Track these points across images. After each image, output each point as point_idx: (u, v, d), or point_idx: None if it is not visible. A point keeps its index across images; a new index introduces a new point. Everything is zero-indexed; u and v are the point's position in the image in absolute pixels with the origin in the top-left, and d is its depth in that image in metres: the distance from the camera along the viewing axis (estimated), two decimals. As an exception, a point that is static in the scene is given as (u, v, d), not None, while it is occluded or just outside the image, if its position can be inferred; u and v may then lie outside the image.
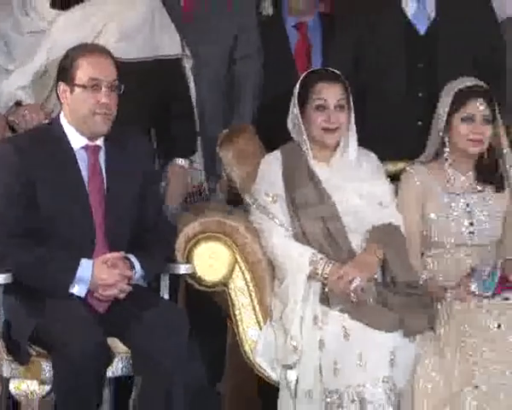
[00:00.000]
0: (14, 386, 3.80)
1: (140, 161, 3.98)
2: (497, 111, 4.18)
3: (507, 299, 4.00)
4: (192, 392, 3.80)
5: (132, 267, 3.86)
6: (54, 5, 4.36)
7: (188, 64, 4.49)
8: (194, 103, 4.52)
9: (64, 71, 3.87)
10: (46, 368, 3.75)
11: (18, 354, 3.78)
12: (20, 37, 4.41)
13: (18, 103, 4.30)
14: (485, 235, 4.17)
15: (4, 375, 3.84)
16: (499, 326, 3.91)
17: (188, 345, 3.77)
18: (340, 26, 4.72)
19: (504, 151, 4.22)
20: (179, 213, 4.36)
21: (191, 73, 4.50)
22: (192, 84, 4.51)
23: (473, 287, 4.03)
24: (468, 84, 4.18)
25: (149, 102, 4.20)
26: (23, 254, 3.81)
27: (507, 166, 4.21)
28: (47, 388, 3.76)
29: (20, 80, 4.31)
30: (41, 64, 4.31)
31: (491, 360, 3.85)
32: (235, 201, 4.35)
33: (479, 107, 4.14)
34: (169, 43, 4.44)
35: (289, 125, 4.20)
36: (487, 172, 4.20)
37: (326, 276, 4.01)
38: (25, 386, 3.79)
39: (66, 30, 4.30)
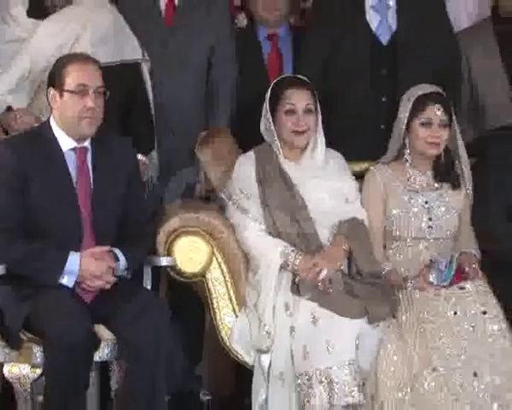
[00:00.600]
0: (7, 370, 3.79)
1: (124, 161, 3.98)
2: (453, 116, 4.18)
3: (462, 288, 4.00)
4: (172, 374, 3.81)
5: (117, 260, 3.85)
6: (29, 15, 4.35)
7: (145, 67, 4.47)
8: (153, 105, 4.51)
9: (54, 77, 3.87)
10: (37, 353, 3.75)
11: (11, 340, 3.77)
12: (0, 45, 4.41)
13: (9, 108, 4.28)
14: (443, 229, 4.17)
15: None
16: (455, 313, 3.94)
17: (168, 332, 3.76)
18: (309, 37, 4.70)
19: (460, 153, 4.21)
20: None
21: (148, 76, 4.49)
22: (149, 86, 4.49)
23: (431, 277, 4.03)
24: (427, 90, 4.17)
25: (115, 102, 4.15)
26: (16, 246, 3.81)
27: (462, 166, 4.21)
28: (38, 371, 3.76)
29: (4, 86, 4.29)
30: (24, 70, 4.29)
31: (448, 344, 3.88)
32: (208, 198, 4.35)
33: (436, 112, 4.13)
34: (131, 49, 4.43)
35: (262, 128, 4.20)
36: (444, 171, 4.20)
37: (296, 267, 4.00)
38: (17, 370, 3.78)
39: (46, 38, 4.29)
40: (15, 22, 4.35)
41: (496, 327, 3.90)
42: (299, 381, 3.90)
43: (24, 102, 4.29)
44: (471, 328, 3.90)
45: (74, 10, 4.33)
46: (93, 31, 4.29)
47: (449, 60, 4.67)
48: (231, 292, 4.11)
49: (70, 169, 3.88)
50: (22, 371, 3.78)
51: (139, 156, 4.25)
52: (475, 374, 3.83)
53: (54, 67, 3.90)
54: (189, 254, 4.07)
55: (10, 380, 3.80)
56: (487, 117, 4.78)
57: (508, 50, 4.79)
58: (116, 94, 4.05)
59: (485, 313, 3.92)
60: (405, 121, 4.16)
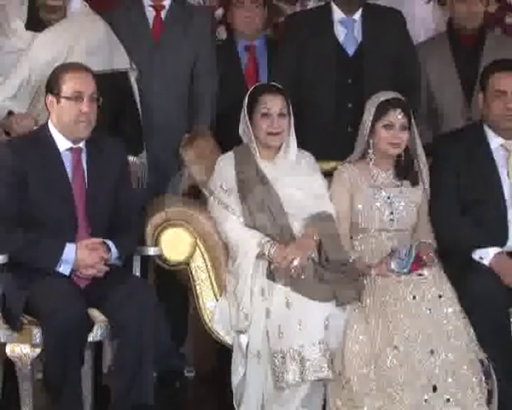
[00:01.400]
0: (9, 349, 3.79)
1: (115, 161, 3.98)
2: (412, 119, 4.19)
3: (420, 275, 3.99)
4: (159, 353, 3.83)
5: (109, 250, 3.85)
6: (27, 28, 4.32)
7: (133, 76, 4.45)
8: (141, 110, 4.50)
9: (52, 85, 3.87)
10: (37, 334, 3.75)
11: (12, 322, 3.76)
12: (0, 55, 4.39)
13: (10, 112, 4.26)
14: (403, 222, 4.17)
15: (1, 340, 3.79)
16: (414, 297, 3.92)
17: (155, 314, 3.77)
18: (282, 48, 4.70)
19: (418, 152, 4.22)
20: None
21: (136, 84, 4.46)
22: (137, 93, 4.47)
23: (392, 265, 4.02)
24: (389, 96, 4.16)
25: (107, 107, 4.14)
26: (17, 236, 3.81)
27: (420, 165, 4.22)
28: (38, 350, 3.76)
29: (6, 93, 4.28)
30: (23, 78, 4.27)
31: (407, 325, 3.87)
32: (194, 194, 4.32)
33: (397, 116, 4.13)
34: (121, 58, 4.41)
35: (240, 131, 4.19)
36: (404, 169, 4.19)
37: (271, 256, 3.99)
38: (18, 349, 3.78)
39: (42, 49, 4.27)
40: (14, 35, 4.32)
41: (450, 310, 3.91)
42: (274, 358, 3.89)
43: (24, 107, 4.27)
44: (428, 310, 3.89)
45: (68, 23, 4.31)
46: (86, 41, 4.28)
47: (408, 69, 4.66)
48: (213, 279, 4.10)
49: (66, 167, 3.89)
50: (23, 350, 3.78)
51: (130, 158, 4.25)
52: (432, 352, 3.83)
53: (51, 75, 3.90)
54: (174, 244, 4.08)
55: (12, 359, 3.80)
56: (442, 121, 4.78)
57: (461, 61, 4.79)
58: (108, 100, 4.07)
59: (440, 296, 3.91)
60: (369, 124, 4.16)
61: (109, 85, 4.22)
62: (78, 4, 4.37)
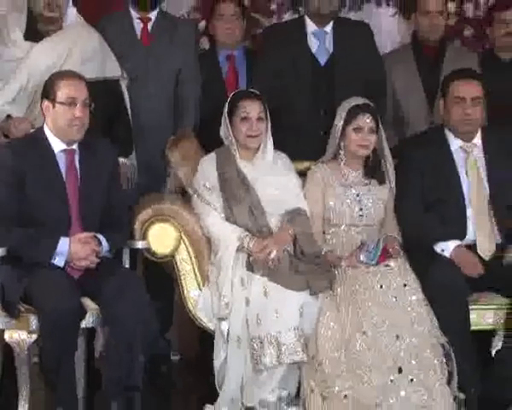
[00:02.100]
0: (8, 335, 3.78)
1: (107, 161, 3.97)
2: (380, 123, 4.20)
3: (387, 266, 3.99)
4: (147, 339, 3.80)
5: (100, 244, 3.85)
6: (26, 38, 4.29)
7: (123, 83, 4.43)
8: (131, 114, 4.48)
9: (47, 91, 3.86)
10: (33, 321, 3.75)
11: (11, 311, 3.76)
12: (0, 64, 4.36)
13: (8, 116, 4.24)
14: (371, 217, 4.17)
15: (0, 327, 3.78)
16: (381, 287, 3.93)
17: (144, 303, 3.76)
18: (260, 58, 4.70)
19: (385, 154, 4.23)
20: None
21: (126, 90, 4.44)
22: (127, 100, 4.45)
23: (361, 257, 4.02)
24: (358, 102, 4.16)
25: (99, 112, 4.11)
26: (14, 232, 3.80)
27: (387, 165, 4.22)
28: (34, 336, 3.76)
29: (5, 98, 4.24)
30: (22, 84, 4.23)
31: (375, 312, 3.87)
32: (180, 192, 4.31)
33: (366, 120, 4.13)
34: (112, 67, 4.39)
35: (221, 134, 4.18)
36: (372, 169, 4.19)
37: (250, 249, 3.99)
38: (16, 335, 3.77)
39: (40, 57, 4.24)
40: (14, 45, 4.30)
41: (414, 298, 3.91)
42: (253, 343, 3.88)
43: (21, 111, 4.23)
44: (394, 298, 3.89)
45: (65, 34, 4.29)
46: (81, 51, 4.26)
47: (376, 78, 4.67)
48: (196, 270, 4.09)
49: (61, 168, 3.88)
50: (21, 336, 3.77)
51: (121, 159, 4.24)
52: (397, 336, 3.82)
53: (47, 82, 3.89)
54: (160, 238, 4.06)
55: (11, 344, 3.79)
56: (408, 125, 4.78)
57: (424, 70, 4.80)
58: (102, 105, 4.07)
59: (405, 285, 3.92)
60: (340, 128, 4.15)
61: (103, 91, 4.22)
62: (74, 17, 4.34)
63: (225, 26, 4.81)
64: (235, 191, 4.09)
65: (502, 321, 4.06)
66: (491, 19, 4.86)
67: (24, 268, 3.76)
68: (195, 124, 4.64)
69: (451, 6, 5.10)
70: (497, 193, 4.19)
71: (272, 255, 3.99)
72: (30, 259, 3.78)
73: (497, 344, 4.07)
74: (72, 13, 4.34)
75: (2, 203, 3.81)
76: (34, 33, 4.29)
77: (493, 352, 4.08)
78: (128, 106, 4.47)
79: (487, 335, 4.10)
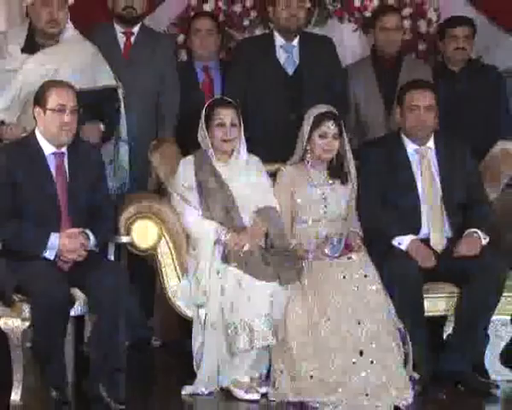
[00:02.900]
0: (2, 322, 3.76)
1: (92, 163, 3.96)
2: (343, 129, 4.19)
3: (350, 258, 4.00)
4: (131, 325, 3.83)
5: (88, 238, 3.83)
6: (24, 51, 4.25)
7: (120, 92, 4.38)
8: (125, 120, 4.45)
9: (39, 98, 3.85)
10: (26, 309, 3.72)
11: (5, 300, 3.74)
12: None
13: (2, 122, 4.21)
14: (335, 214, 4.17)
15: None
16: (344, 277, 3.93)
17: (127, 292, 3.77)
18: (233, 68, 4.70)
19: (348, 156, 4.22)
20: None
21: (122, 97, 4.40)
22: (122, 104, 4.40)
23: (326, 250, 4.02)
24: (323, 110, 4.15)
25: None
26: (8, 227, 3.78)
27: (349, 167, 4.22)
28: (27, 323, 3.74)
29: (1, 105, 4.20)
30: (16, 92, 4.20)
31: (338, 300, 3.88)
32: (160, 191, 4.32)
33: (330, 126, 4.12)
34: (105, 77, 4.34)
35: (199, 138, 4.17)
36: (336, 170, 4.19)
37: (226, 242, 4.00)
38: (10, 322, 3.75)
39: (34, 68, 4.20)
40: (10, 56, 4.27)
41: (374, 287, 3.91)
42: (227, 329, 3.89)
43: (14, 118, 4.21)
44: (355, 288, 3.90)
45: (58, 47, 4.26)
46: (72, 63, 4.23)
47: (339, 87, 4.69)
48: (176, 262, 4.08)
49: (51, 169, 3.87)
50: (14, 323, 3.75)
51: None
52: (358, 322, 3.84)
53: (39, 90, 3.87)
54: (143, 234, 4.04)
55: (5, 330, 3.77)
56: (368, 131, 4.80)
57: (382, 81, 4.82)
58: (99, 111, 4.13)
59: (366, 276, 3.92)
60: (307, 133, 4.15)
61: (101, 98, 4.25)
62: (71, 31, 4.30)
63: (202, 40, 4.81)
64: (212, 190, 4.09)
65: (452, 308, 4.06)
66: (442, 34, 4.88)
67: (17, 261, 3.74)
68: (174, 129, 4.63)
69: (407, 23, 5.12)
70: (448, 192, 4.19)
71: (245, 248, 3.99)
72: (23, 252, 3.76)
73: (448, 329, 4.08)
74: (69, 28, 4.30)
75: None
76: (32, 45, 4.26)
77: (445, 336, 4.08)
78: (123, 111, 4.41)
79: (439, 320, 4.11)
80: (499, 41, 5.16)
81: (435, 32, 5.08)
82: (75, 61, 4.24)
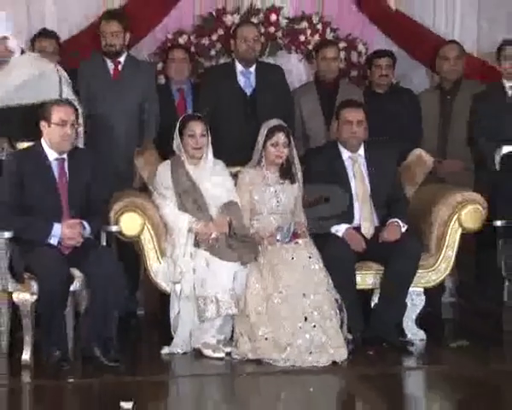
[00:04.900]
0: (15, 296, 3.78)
1: (88, 166, 3.95)
2: (291, 138, 4.18)
3: (297, 243, 4.00)
4: (120, 299, 3.81)
5: (84, 228, 3.84)
6: None
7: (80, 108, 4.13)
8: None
9: (45, 114, 3.84)
10: (34, 285, 3.74)
11: (17, 277, 3.75)
12: None
13: None
14: (285, 208, 4.16)
15: (9, 290, 3.79)
16: (292, 258, 3.94)
17: (117, 271, 3.78)
18: (202, 91, 4.69)
19: (295, 161, 4.21)
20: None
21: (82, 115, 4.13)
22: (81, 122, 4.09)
23: (278, 236, 4.03)
24: (275, 123, 4.15)
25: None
26: (18, 219, 3.78)
27: (296, 170, 4.21)
28: (35, 297, 3.75)
29: None
30: None
31: (287, 277, 3.89)
32: (143, 189, 4.31)
33: (281, 137, 4.11)
34: (49, 92, 4.03)
35: (174, 146, 4.16)
36: (286, 172, 4.18)
37: (197, 231, 3.99)
38: (22, 296, 3.77)
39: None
40: None
41: (317, 266, 3.93)
42: (198, 301, 3.89)
43: None
44: (302, 267, 3.91)
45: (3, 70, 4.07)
46: (14, 78, 4.05)
47: (287, 105, 4.69)
48: (156, 247, 4.06)
49: (54, 172, 3.88)
50: (25, 297, 3.76)
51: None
52: (304, 294, 3.84)
53: (45, 106, 3.85)
54: (129, 224, 4.02)
55: (17, 303, 3.78)
56: (311, 140, 4.79)
57: (324, 100, 4.81)
58: None
59: (310, 257, 3.94)
60: (262, 142, 4.15)
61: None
62: (18, 53, 4.11)
63: (176, 67, 4.78)
64: (185, 188, 4.08)
65: (378, 282, 4.10)
66: (369, 64, 4.93)
67: (27, 247, 3.75)
68: (155, 138, 4.61)
69: (342, 54, 5.13)
70: (375, 190, 4.21)
71: (213, 236, 4.00)
72: (31, 240, 3.76)
73: (375, 299, 4.11)
74: (18, 52, 4.11)
75: (10, 199, 3.79)
76: None
77: (372, 304, 4.12)
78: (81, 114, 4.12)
79: (368, 292, 4.14)
80: (414, 69, 5.23)
81: (364, 62, 5.12)
82: (17, 79, 4.04)
